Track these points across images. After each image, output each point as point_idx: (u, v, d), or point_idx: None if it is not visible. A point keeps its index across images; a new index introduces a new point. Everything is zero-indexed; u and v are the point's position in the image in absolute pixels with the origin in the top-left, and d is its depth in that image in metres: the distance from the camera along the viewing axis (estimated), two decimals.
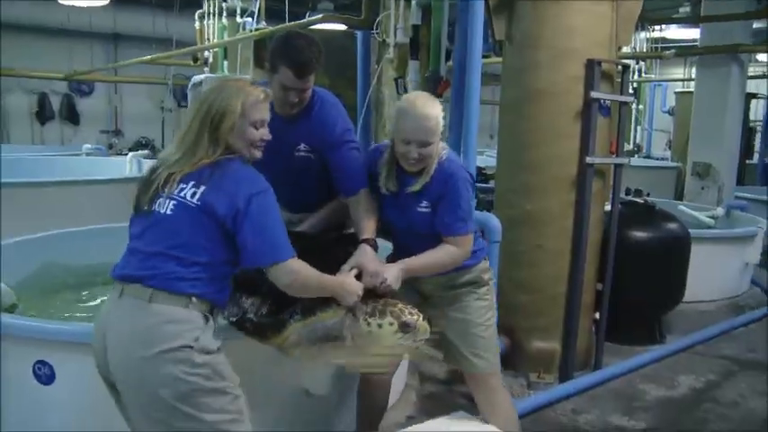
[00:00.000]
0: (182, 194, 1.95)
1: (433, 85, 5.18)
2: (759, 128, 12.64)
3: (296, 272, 2.02)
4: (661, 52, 10.61)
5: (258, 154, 2.11)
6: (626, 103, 4.45)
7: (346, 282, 2.26)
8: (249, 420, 1.98)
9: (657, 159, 13.46)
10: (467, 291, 2.69)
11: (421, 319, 2.22)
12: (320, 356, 2.28)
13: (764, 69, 13.59)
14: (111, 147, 13.63)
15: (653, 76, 14.68)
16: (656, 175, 10.86)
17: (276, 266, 1.97)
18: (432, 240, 2.53)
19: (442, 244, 2.51)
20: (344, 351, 2.26)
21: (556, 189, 4.09)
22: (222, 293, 2.05)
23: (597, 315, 4.45)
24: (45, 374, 2.70)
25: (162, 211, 1.97)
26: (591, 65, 3.97)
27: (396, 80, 5.58)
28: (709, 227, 6.64)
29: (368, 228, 2.54)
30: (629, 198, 4.97)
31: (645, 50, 11.62)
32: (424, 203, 2.51)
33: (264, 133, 2.09)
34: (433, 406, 3.70)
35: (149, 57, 9.56)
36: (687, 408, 3.98)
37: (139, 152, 8.17)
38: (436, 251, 2.50)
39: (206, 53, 8.35)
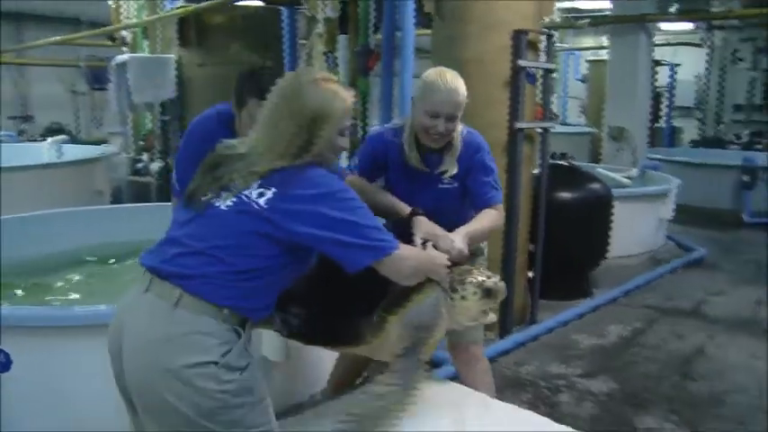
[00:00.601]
0: (247, 193, 1.72)
1: (364, 59, 5.29)
2: (664, 93, 13.33)
3: (410, 257, 1.87)
4: (575, 22, 11.01)
5: (334, 161, 1.97)
6: (550, 71, 4.67)
7: (434, 254, 2.10)
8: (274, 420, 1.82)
9: (573, 125, 13.98)
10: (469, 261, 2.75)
11: (498, 280, 2.14)
12: (417, 343, 2.07)
13: (668, 38, 14.30)
14: (21, 133, 13.03)
15: (566, 45, 15.18)
16: (572, 141, 11.34)
17: (390, 259, 1.77)
18: (454, 215, 2.51)
19: (485, 211, 2.50)
20: (440, 330, 2.15)
21: None
22: (261, 309, 1.78)
23: (531, 274, 4.70)
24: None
25: (218, 206, 1.74)
26: (518, 35, 4.15)
27: (326, 54, 5.64)
28: (626, 186, 7.02)
29: (400, 203, 2.46)
30: (555, 162, 5.23)
31: (559, 20, 12.01)
32: (447, 180, 2.53)
33: (346, 141, 1.93)
34: None
35: (61, 37, 9.20)
36: (617, 353, 4.29)
37: (58, 137, 7.89)
38: (485, 217, 2.48)
39: (123, 33, 8.13)
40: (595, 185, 5.21)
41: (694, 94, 14.69)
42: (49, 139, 7.76)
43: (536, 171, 4.66)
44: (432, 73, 2.46)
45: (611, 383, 3.81)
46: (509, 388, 3.74)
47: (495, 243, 4.28)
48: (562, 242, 4.98)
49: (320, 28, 5.28)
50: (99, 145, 8.86)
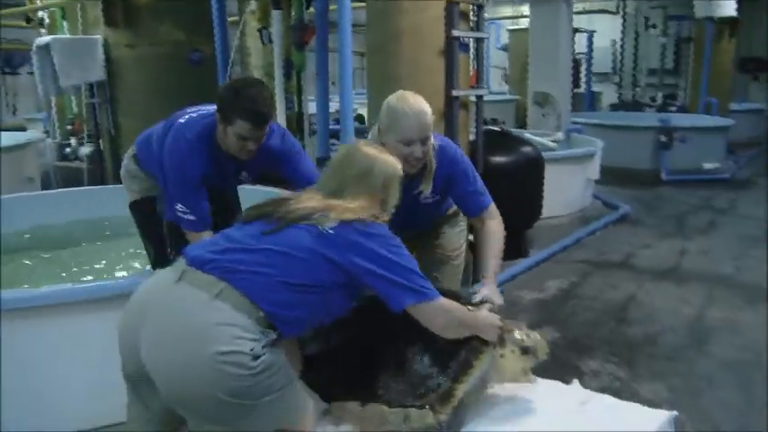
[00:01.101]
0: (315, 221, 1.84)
1: (299, 34, 5.33)
2: (583, 60, 13.82)
3: (451, 309, 1.95)
4: None
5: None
6: (482, 39, 4.83)
7: (485, 314, 2.11)
8: (296, 377, 1.91)
9: (496, 93, 14.33)
10: (450, 222, 2.84)
11: (538, 337, 2.15)
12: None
13: (584, 5, 14.78)
14: None
15: (486, 15, 15.42)
16: (497, 108, 11.63)
17: (431, 305, 1.88)
18: (434, 213, 2.63)
19: (487, 229, 2.51)
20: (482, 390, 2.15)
21: None
22: (293, 324, 1.82)
23: (471, 237, 4.88)
24: None
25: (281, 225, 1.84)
26: (450, 6, 4.27)
27: (259, 31, 5.64)
28: (554, 150, 7.31)
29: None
30: (488, 127, 5.41)
31: None
32: (430, 196, 2.53)
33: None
34: None
35: None
36: (557, 305, 4.55)
37: None
38: (494, 241, 2.48)
39: (40, 13, 7.84)
40: (527, 149, 5.43)
41: (611, 60, 15.30)
42: None
43: (471, 137, 4.83)
44: (393, 101, 2.37)
45: (555, 333, 4.05)
46: None
47: None
48: (498, 205, 5.18)
49: (253, 5, 5.27)
50: (18, 132, 8.52)
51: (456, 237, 2.91)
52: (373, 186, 1.96)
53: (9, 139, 6.96)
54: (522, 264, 5.26)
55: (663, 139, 8.93)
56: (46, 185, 7.17)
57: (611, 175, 8.36)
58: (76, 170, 7.11)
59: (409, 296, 1.85)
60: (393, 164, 2.02)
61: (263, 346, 1.69)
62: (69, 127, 7.77)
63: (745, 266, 5.30)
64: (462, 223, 2.95)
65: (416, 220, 2.63)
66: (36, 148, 7.07)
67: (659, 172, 8.95)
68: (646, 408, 2.36)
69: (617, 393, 3.24)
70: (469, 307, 2.12)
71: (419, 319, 1.91)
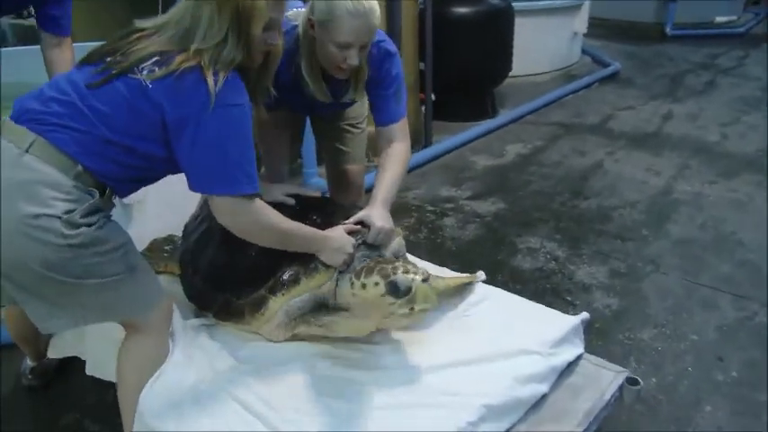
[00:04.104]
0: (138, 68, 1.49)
1: None
2: None
3: (275, 218, 1.61)
4: None
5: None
6: None
7: (332, 236, 1.76)
8: (146, 269, 1.67)
9: None
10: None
11: (421, 281, 1.57)
12: (303, 331, 1.79)
13: None
14: None
15: None
16: None
17: (227, 199, 1.52)
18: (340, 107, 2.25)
19: (391, 150, 2.05)
20: (328, 322, 1.77)
21: None
22: (124, 183, 1.60)
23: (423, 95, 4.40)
24: None
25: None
26: None
27: None
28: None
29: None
30: None
31: None
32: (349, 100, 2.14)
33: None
34: None
35: None
36: (513, 173, 4.13)
37: None
38: (395, 164, 2.03)
39: None
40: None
41: None
42: None
43: None
44: None
45: (500, 204, 3.67)
46: (393, 214, 3.54)
47: None
48: (458, 60, 4.67)
49: None
50: None
51: (358, 104, 2.45)
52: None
53: None
54: (483, 125, 4.79)
55: None
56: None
57: (608, 29, 7.67)
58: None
59: (217, 185, 1.51)
60: None
61: (88, 215, 1.47)
62: None
63: (733, 133, 4.79)
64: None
65: (318, 111, 2.27)
66: None
67: (664, 25, 8.17)
68: (546, 310, 2.03)
69: (548, 276, 2.95)
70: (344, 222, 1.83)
71: (216, 214, 1.56)
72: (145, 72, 1.47)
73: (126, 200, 2.72)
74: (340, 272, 1.76)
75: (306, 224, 1.74)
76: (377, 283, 1.58)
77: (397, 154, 2.07)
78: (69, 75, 1.57)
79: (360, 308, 1.68)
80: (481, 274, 2.17)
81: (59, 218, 1.43)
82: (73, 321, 1.59)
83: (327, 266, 1.75)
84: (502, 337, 1.82)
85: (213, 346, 1.78)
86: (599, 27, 7.69)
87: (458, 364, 1.72)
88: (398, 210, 3.61)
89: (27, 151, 1.45)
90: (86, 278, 1.50)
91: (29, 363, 2.27)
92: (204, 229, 2.03)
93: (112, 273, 1.53)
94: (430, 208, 3.65)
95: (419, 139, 4.39)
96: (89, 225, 1.48)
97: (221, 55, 1.47)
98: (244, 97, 1.52)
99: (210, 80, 1.44)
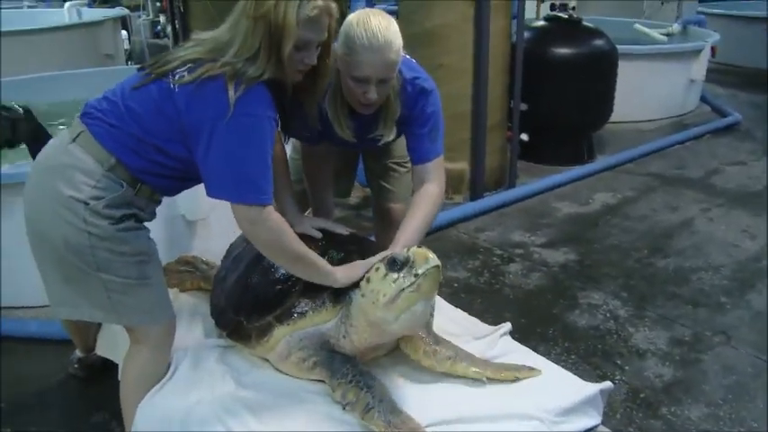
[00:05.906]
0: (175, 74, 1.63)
1: None
2: None
3: (289, 234, 1.66)
4: None
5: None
6: None
7: (339, 274, 1.76)
8: (160, 285, 1.78)
9: None
10: None
11: (414, 246, 1.64)
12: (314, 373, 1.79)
13: None
14: None
15: None
16: None
17: (242, 207, 1.58)
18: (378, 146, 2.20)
19: (423, 191, 2.04)
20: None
21: (454, 3, 3.83)
22: (162, 180, 1.71)
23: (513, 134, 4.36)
24: None
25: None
26: None
27: None
28: (660, 43, 6.35)
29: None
30: (554, 13, 4.69)
31: None
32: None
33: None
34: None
35: None
36: (593, 223, 3.98)
37: (76, 1, 7.61)
38: (424, 206, 2.02)
39: None
40: (598, 41, 4.67)
41: None
42: (67, 4, 7.50)
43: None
44: (354, 22, 1.80)
45: (572, 255, 3.55)
46: (459, 254, 3.55)
47: (463, 99, 3.94)
48: (556, 102, 4.58)
49: None
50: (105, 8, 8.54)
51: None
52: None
53: (89, 15, 7.00)
54: (574, 171, 4.66)
55: None
56: (140, 62, 7.23)
57: (741, 76, 7.23)
58: (166, 47, 7.10)
59: (229, 192, 1.59)
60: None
61: (113, 207, 1.63)
62: (158, 4, 7.70)
63: None
64: None
65: (358, 146, 2.24)
66: (114, 24, 6.97)
67: None
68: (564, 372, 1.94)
69: (602, 335, 2.83)
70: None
71: (239, 222, 1.63)
72: (176, 77, 1.61)
73: (190, 217, 2.93)
74: (351, 294, 1.76)
75: (324, 258, 1.78)
76: (377, 269, 1.64)
77: (428, 196, 2.06)
78: (127, 78, 1.74)
79: (368, 312, 1.67)
80: (507, 325, 2.12)
81: (86, 203, 1.60)
82: (78, 312, 1.73)
83: (335, 304, 1.78)
84: (504, 396, 1.76)
85: (220, 369, 1.85)
86: (730, 74, 7.29)
87: (451, 421, 1.68)
88: (465, 250, 3.60)
89: (74, 140, 1.66)
90: (97, 270, 1.64)
91: (77, 353, 2.49)
92: (242, 249, 2.10)
93: (123, 275, 1.66)
94: (498, 252, 3.59)
95: (502, 179, 4.34)
96: (111, 218, 1.63)
97: (248, 69, 1.55)
98: (265, 109, 1.57)
99: (231, 90, 1.52)
